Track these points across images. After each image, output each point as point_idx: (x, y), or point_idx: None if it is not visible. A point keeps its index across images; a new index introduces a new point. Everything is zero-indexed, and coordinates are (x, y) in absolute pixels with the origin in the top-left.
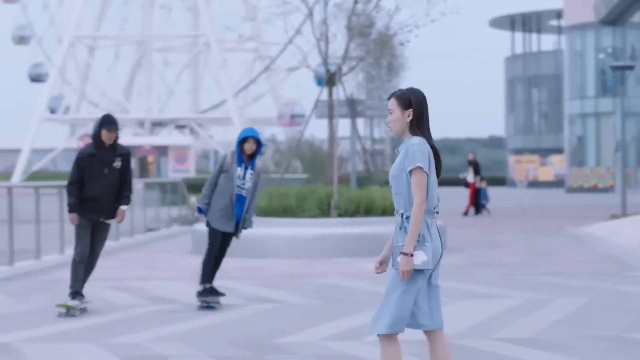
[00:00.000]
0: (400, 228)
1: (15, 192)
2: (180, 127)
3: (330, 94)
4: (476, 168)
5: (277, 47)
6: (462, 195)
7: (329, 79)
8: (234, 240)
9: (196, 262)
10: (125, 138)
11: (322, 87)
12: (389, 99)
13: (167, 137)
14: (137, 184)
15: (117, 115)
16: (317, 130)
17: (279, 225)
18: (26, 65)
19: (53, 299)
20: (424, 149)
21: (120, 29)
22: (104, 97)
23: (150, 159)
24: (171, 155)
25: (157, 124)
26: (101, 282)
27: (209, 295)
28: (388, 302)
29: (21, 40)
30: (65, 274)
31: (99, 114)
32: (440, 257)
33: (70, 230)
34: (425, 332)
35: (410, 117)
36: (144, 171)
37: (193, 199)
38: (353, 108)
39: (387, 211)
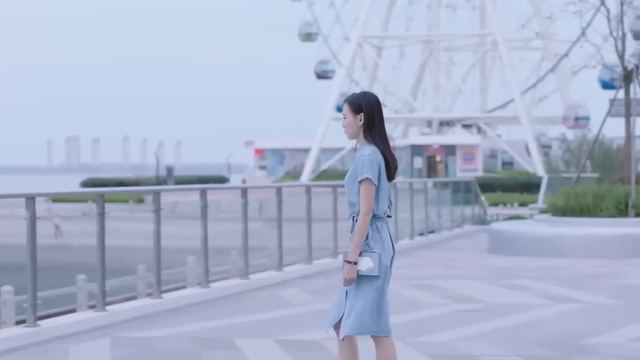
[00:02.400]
0: (351, 232)
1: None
2: (467, 126)
3: (627, 92)
4: None
5: (564, 45)
6: None
7: (625, 77)
8: (532, 240)
9: (493, 262)
10: (413, 137)
11: (617, 89)
12: (343, 103)
13: (454, 136)
14: (428, 183)
15: (405, 115)
16: (606, 128)
17: (575, 225)
18: (312, 62)
19: None
20: (373, 159)
21: (405, 28)
22: (390, 97)
23: (438, 157)
24: (459, 154)
25: (445, 123)
26: (402, 280)
27: None
28: (352, 305)
29: (307, 37)
30: None
31: (386, 114)
32: (392, 259)
33: None
34: (373, 336)
35: (362, 122)
36: (432, 170)
37: (483, 198)
38: None
39: None
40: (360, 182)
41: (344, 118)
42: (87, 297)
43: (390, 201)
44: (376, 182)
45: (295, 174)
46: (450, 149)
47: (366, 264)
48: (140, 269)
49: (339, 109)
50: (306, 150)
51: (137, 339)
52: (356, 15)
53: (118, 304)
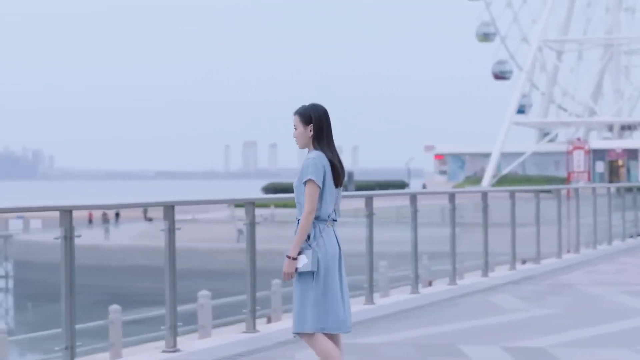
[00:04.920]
0: (296, 233)
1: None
2: None
3: None
4: None
5: None
6: None
7: None
8: None
9: None
10: (595, 142)
11: None
12: (294, 115)
13: (637, 140)
14: (610, 188)
15: (585, 119)
16: None
17: None
18: (489, 63)
19: (569, 304)
20: (317, 163)
21: (583, 31)
22: (570, 101)
23: (620, 162)
24: None
25: (626, 127)
26: (612, 286)
27: None
28: (294, 302)
29: (485, 37)
30: (572, 278)
31: (566, 118)
32: (340, 260)
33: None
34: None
35: (312, 132)
36: (613, 175)
37: None
38: None
39: None
40: (304, 183)
41: (295, 129)
42: (282, 301)
43: (337, 207)
44: (320, 184)
45: (475, 179)
46: (632, 153)
47: (302, 261)
48: None
49: (521, 111)
50: (486, 155)
51: (359, 345)
52: (534, 15)
53: None
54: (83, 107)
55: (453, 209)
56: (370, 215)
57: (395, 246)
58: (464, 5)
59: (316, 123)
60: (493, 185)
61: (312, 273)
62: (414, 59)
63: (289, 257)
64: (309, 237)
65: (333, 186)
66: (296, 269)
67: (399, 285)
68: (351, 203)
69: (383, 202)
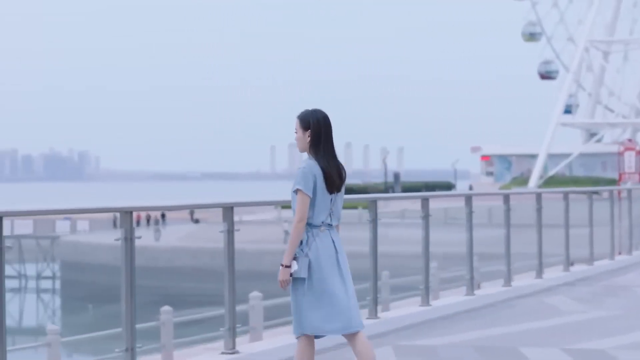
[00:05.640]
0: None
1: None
2: None
3: None
4: None
5: None
6: None
7: None
8: None
9: None
10: None
11: None
12: (295, 119)
13: None
14: None
15: (632, 120)
16: None
17: None
18: (536, 62)
19: (627, 305)
20: (307, 172)
21: (629, 31)
22: (616, 101)
23: None
24: None
25: None
26: None
27: None
28: (295, 308)
29: (531, 37)
30: (627, 280)
31: (613, 119)
32: (339, 262)
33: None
34: (344, 335)
35: (309, 138)
36: None
37: None
38: None
39: None
40: (294, 192)
41: (296, 133)
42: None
43: (333, 212)
44: (309, 193)
45: (522, 180)
46: None
47: (293, 267)
48: (384, 275)
49: (567, 111)
50: (533, 156)
51: (419, 347)
52: (580, 16)
53: (387, 312)
54: (126, 108)
55: (507, 210)
56: (426, 216)
57: (444, 247)
58: (509, 4)
59: (313, 129)
60: (540, 187)
61: (303, 279)
62: (459, 60)
63: (282, 265)
64: (301, 242)
65: (326, 193)
66: (290, 274)
67: (449, 287)
68: (398, 205)
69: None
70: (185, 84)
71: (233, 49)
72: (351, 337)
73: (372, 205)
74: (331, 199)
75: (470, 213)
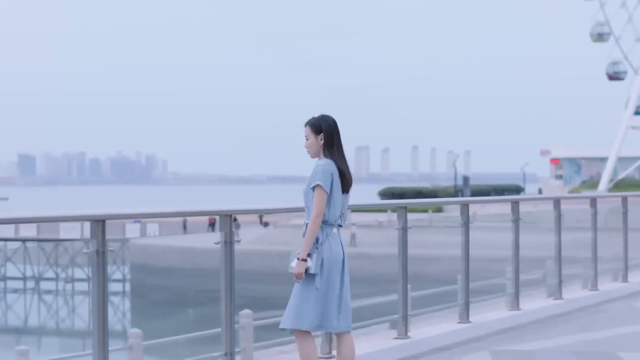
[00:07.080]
0: (304, 236)
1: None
2: None
3: None
4: None
5: None
6: None
7: None
8: None
9: None
10: None
11: None
12: (305, 126)
13: None
14: None
15: None
16: None
17: None
18: (604, 63)
19: None
20: (326, 169)
21: None
22: None
23: None
24: None
25: None
26: None
27: None
28: (292, 300)
29: (599, 37)
30: None
31: None
32: (344, 264)
33: None
34: (335, 333)
35: (323, 141)
36: None
37: None
38: None
39: None
40: (313, 188)
41: (306, 139)
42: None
43: (343, 212)
44: (327, 190)
45: (592, 184)
46: None
47: (308, 262)
48: (459, 279)
49: (638, 113)
50: (603, 159)
51: (517, 352)
52: None
53: (477, 315)
54: (193, 110)
55: (595, 213)
56: (516, 220)
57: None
58: (577, 4)
59: (326, 132)
60: (610, 190)
61: (314, 275)
62: (528, 61)
63: (299, 258)
64: (317, 240)
65: (340, 192)
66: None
67: (527, 290)
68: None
69: (502, 208)
70: (252, 86)
71: (302, 53)
72: (340, 336)
73: (464, 209)
74: (342, 199)
75: (558, 216)
